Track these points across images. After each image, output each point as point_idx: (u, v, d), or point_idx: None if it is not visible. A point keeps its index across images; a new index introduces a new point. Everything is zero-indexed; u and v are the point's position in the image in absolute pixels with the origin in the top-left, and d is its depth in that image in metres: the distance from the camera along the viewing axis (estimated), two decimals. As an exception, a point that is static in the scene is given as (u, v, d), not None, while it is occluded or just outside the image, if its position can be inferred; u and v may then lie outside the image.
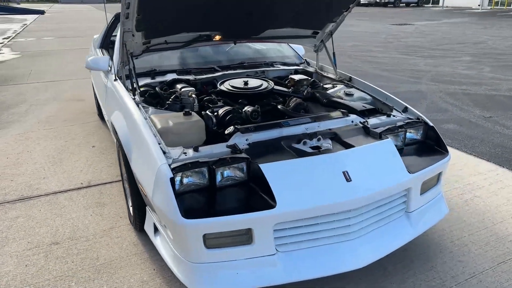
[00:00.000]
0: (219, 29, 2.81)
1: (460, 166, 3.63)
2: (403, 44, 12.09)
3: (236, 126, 2.25)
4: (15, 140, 4.39)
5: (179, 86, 2.88)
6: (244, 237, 1.85)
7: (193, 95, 2.67)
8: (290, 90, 2.97)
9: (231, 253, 1.85)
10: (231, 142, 2.14)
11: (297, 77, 3.05)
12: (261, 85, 2.85)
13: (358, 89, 3.05)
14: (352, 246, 2.01)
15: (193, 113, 2.43)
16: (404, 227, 2.21)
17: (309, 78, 3.05)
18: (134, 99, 2.60)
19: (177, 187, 1.87)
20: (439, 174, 2.40)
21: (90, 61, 3.42)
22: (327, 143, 2.21)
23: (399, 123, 2.46)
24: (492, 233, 2.64)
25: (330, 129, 2.34)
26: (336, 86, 3.16)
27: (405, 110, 2.66)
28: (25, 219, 2.86)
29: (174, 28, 2.64)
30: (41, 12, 16.47)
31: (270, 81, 2.96)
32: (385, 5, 35.42)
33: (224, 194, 1.92)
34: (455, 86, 6.73)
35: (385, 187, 2.04)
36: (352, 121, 2.45)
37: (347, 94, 2.90)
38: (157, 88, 2.87)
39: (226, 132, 2.28)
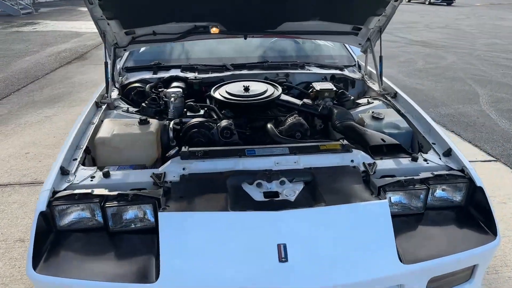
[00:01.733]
0: (220, 19, 2.27)
1: None
2: None
3: (185, 148, 1.73)
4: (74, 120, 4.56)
5: (175, 84, 2.46)
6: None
7: (172, 99, 2.21)
8: (301, 102, 2.28)
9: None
10: (161, 169, 1.64)
11: (319, 85, 2.33)
12: (263, 92, 2.24)
13: (398, 111, 2.19)
14: None
15: (153, 122, 1.99)
16: None
17: (333, 88, 2.29)
18: (106, 97, 2.28)
19: (59, 222, 1.46)
20: (474, 268, 1.51)
21: None
22: (291, 191, 1.54)
23: (424, 174, 1.62)
24: None
25: (310, 169, 1.65)
26: (372, 103, 2.34)
27: (448, 153, 1.76)
28: (19, 205, 2.83)
29: (158, 17, 2.20)
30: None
31: (280, 88, 2.31)
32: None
33: (114, 243, 1.44)
34: None
35: (345, 283, 1.30)
36: (352, 161, 1.69)
37: (375, 118, 2.08)
38: (147, 86, 2.50)
39: (167, 154, 1.78)
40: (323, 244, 1.35)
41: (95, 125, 1.99)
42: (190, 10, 2.18)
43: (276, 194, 1.53)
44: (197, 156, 1.67)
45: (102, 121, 2.03)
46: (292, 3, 2.17)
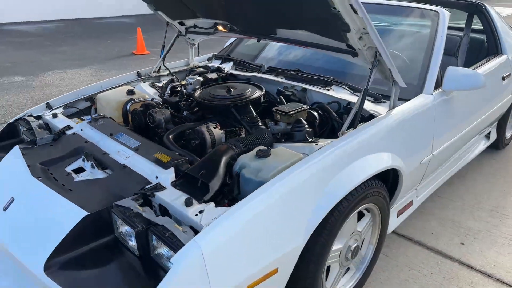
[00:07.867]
0: (229, 18, 2.24)
1: None
2: None
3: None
4: (92, 74, 4.95)
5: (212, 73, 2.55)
6: None
7: (184, 82, 2.39)
8: (256, 122, 1.94)
9: None
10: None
11: (287, 105, 1.94)
12: (235, 97, 2.07)
13: None
14: None
15: (138, 91, 2.21)
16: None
17: (287, 111, 1.85)
18: (154, 74, 2.57)
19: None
20: None
21: None
22: (89, 175, 1.62)
23: None
24: None
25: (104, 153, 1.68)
26: (317, 142, 1.76)
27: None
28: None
29: (183, 12, 2.39)
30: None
31: (258, 93, 2.12)
32: None
33: None
34: None
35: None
36: (156, 178, 1.51)
37: (259, 155, 1.57)
38: (198, 66, 2.69)
39: None
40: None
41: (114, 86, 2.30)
42: (201, 6, 2.26)
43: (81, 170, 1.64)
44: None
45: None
46: (276, 9, 1.87)
